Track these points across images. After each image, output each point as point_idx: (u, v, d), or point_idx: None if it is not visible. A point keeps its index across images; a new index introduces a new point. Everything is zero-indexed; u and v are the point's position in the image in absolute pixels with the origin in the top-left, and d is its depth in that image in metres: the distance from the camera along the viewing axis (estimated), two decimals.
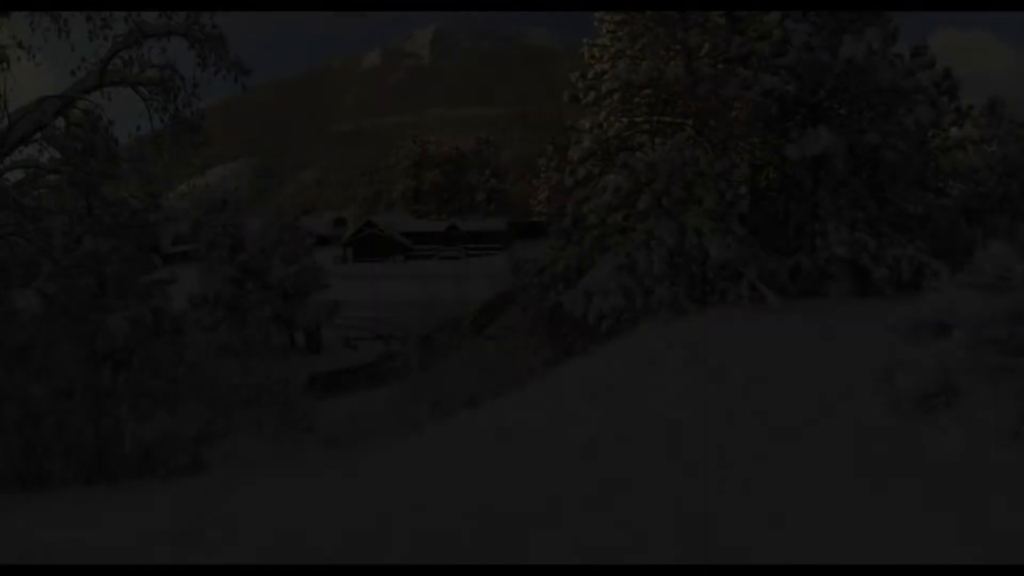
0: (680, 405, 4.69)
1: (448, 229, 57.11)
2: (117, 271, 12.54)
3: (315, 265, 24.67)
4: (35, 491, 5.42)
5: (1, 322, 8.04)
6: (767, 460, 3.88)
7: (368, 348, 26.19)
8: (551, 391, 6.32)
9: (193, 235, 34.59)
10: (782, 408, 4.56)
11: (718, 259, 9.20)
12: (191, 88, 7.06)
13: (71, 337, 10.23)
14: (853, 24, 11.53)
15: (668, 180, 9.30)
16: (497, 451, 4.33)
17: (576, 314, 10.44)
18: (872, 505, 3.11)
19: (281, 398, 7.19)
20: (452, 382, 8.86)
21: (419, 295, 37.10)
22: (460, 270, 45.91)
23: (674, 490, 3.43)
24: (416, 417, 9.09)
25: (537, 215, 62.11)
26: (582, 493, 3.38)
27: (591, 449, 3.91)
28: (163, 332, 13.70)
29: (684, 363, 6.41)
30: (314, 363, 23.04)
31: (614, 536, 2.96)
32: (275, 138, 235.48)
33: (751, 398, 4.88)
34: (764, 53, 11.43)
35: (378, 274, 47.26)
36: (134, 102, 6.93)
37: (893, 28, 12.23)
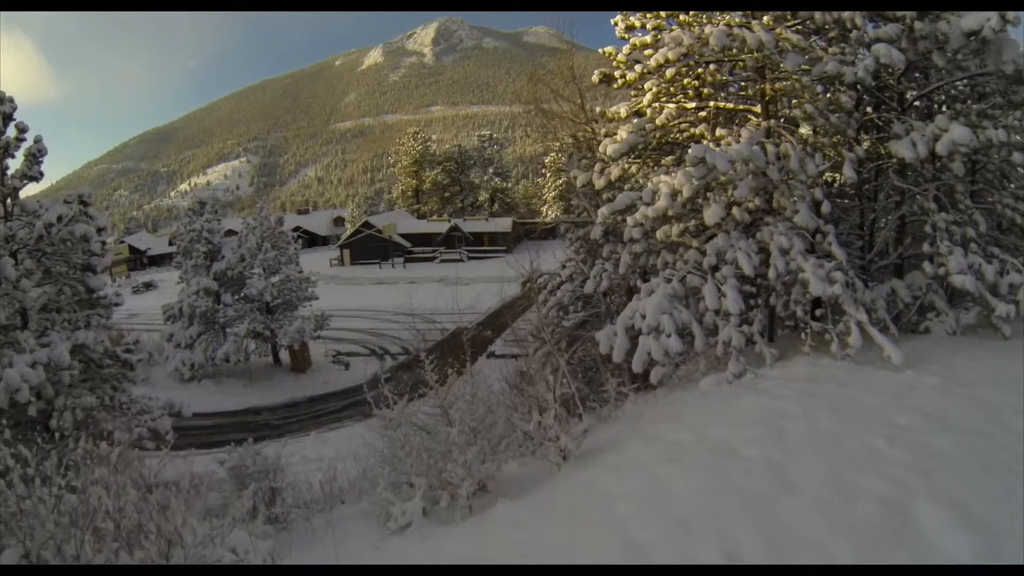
0: None
1: (449, 230, 54.51)
2: (39, 298, 10.07)
3: (301, 275, 22.10)
4: None
5: None
6: None
7: (360, 364, 23.69)
8: (609, 528, 3.86)
9: None
10: None
11: (819, 294, 6.68)
12: None
13: None
14: None
15: (747, 184, 6.81)
16: None
17: (616, 358, 7.93)
18: None
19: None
20: (455, 442, 6.41)
21: (418, 303, 34.74)
22: (462, 274, 43.56)
23: None
24: (402, 509, 6.65)
25: (543, 216, 59.86)
26: None
27: None
28: (102, 366, 11.25)
29: (825, 483, 3.95)
30: (298, 385, 20.61)
31: None
32: (277, 135, 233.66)
33: None
34: (850, 23, 8.97)
35: (375, 278, 44.86)
36: None
37: None
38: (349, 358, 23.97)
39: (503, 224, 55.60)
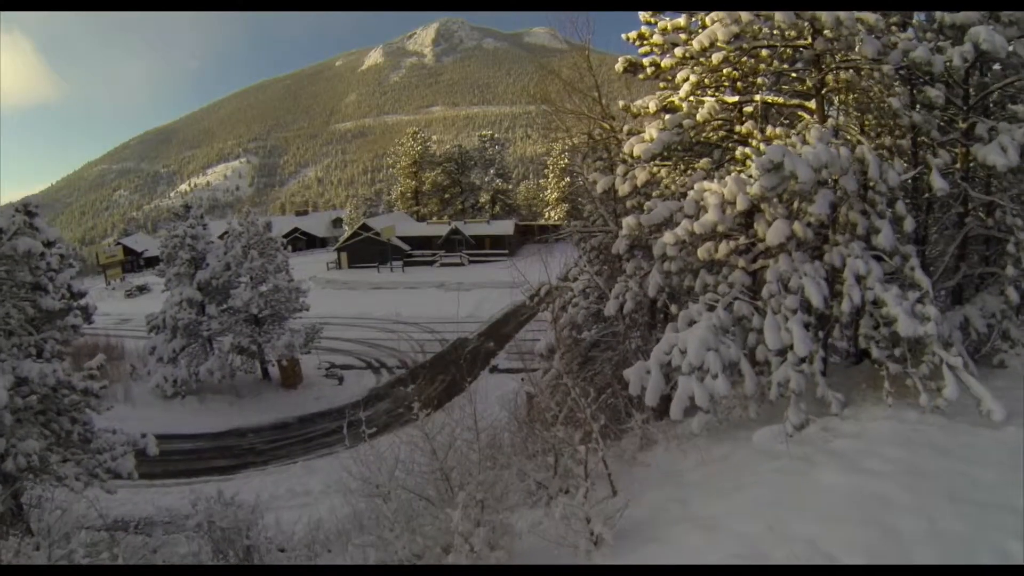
0: None
1: (450, 233, 53.07)
2: None
3: (291, 283, 20.71)
4: None
5: None
6: None
7: (355, 378, 22.31)
8: None
9: None
10: None
11: (909, 334, 5.37)
12: None
13: None
14: None
15: (827, 198, 5.49)
16: None
17: (648, 401, 6.63)
18: None
19: None
20: (459, 531, 5.13)
21: (417, 309, 33.45)
22: (463, 279, 42.19)
23: None
24: None
25: (546, 219, 58.36)
26: None
27: None
28: (59, 397, 9.93)
29: None
30: (288, 403, 19.26)
31: None
32: (277, 136, 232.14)
33: None
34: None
35: (373, 283, 43.50)
36: None
37: None
38: (343, 371, 22.63)
39: (505, 227, 54.11)
